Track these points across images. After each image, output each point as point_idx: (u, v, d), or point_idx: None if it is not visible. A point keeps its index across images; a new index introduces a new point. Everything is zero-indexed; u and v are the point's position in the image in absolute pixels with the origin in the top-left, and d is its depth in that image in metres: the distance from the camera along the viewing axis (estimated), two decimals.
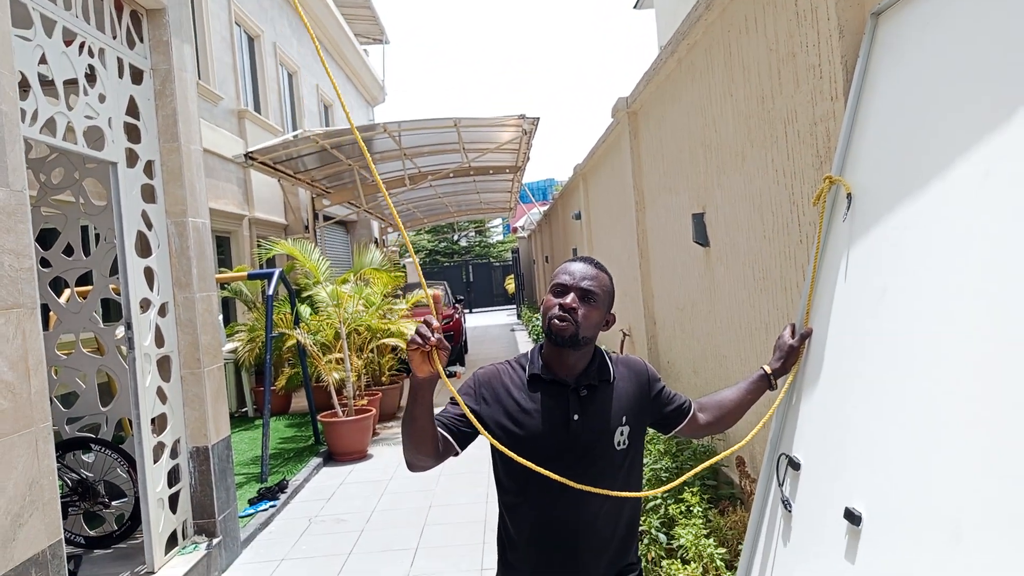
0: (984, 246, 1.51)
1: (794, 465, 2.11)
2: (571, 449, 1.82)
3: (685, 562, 3.36)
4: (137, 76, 4.28)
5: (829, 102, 2.70)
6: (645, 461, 4.29)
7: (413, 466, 1.80)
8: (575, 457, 1.82)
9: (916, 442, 1.59)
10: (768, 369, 2.13)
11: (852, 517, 1.71)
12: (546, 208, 19.68)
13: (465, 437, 1.85)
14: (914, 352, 1.67)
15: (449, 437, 1.82)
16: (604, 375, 1.92)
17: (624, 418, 1.90)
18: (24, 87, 3.17)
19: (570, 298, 1.82)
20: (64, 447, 4.71)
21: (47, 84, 3.47)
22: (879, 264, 1.90)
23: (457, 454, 1.85)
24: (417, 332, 1.62)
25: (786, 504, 2.10)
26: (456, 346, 12.94)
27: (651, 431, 2.17)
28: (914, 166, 1.84)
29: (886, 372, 1.76)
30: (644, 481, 4.15)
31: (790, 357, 2.15)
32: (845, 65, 2.55)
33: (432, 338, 1.61)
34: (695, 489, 3.80)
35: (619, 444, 1.88)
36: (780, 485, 2.16)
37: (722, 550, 3.28)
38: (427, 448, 1.76)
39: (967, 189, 1.61)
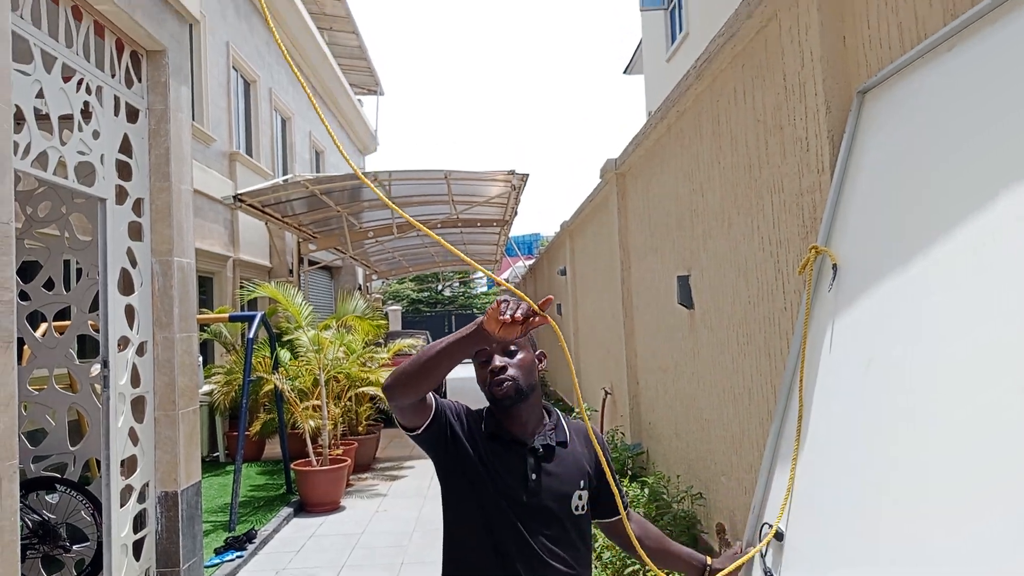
0: (973, 321, 1.53)
1: (778, 536, 2.08)
2: (528, 509, 1.79)
3: None
4: (132, 114, 4.31)
5: (815, 174, 2.76)
6: None
7: (393, 392, 1.68)
8: (529, 517, 1.78)
9: (904, 515, 1.58)
10: (710, 562, 2.05)
11: None
12: (531, 262, 19.77)
13: (440, 419, 1.81)
14: (899, 425, 1.67)
15: (435, 405, 1.80)
16: (560, 436, 1.91)
17: (582, 482, 1.88)
18: (19, 120, 3.17)
19: (497, 360, 1.82)
20: (28, 486, 4.56)
21: (42, 118, 3.48)
22: (865, 335, 1.91)
23: (422, 425, 1.78)
24: (501, 304, 1.49)
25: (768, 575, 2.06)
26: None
27: None
28: (900, 240, 1.88)
29: (872, 444, 1.76)
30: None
31: (731, 563, 2.08)
32: (831, 139, 2.61)
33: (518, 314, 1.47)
34: None
35: (576, 509, 1.85)
36: (763, 556, 2.13)
37: None
38: (424, 388, 1.67)
39: (957, 264, 1.63)
